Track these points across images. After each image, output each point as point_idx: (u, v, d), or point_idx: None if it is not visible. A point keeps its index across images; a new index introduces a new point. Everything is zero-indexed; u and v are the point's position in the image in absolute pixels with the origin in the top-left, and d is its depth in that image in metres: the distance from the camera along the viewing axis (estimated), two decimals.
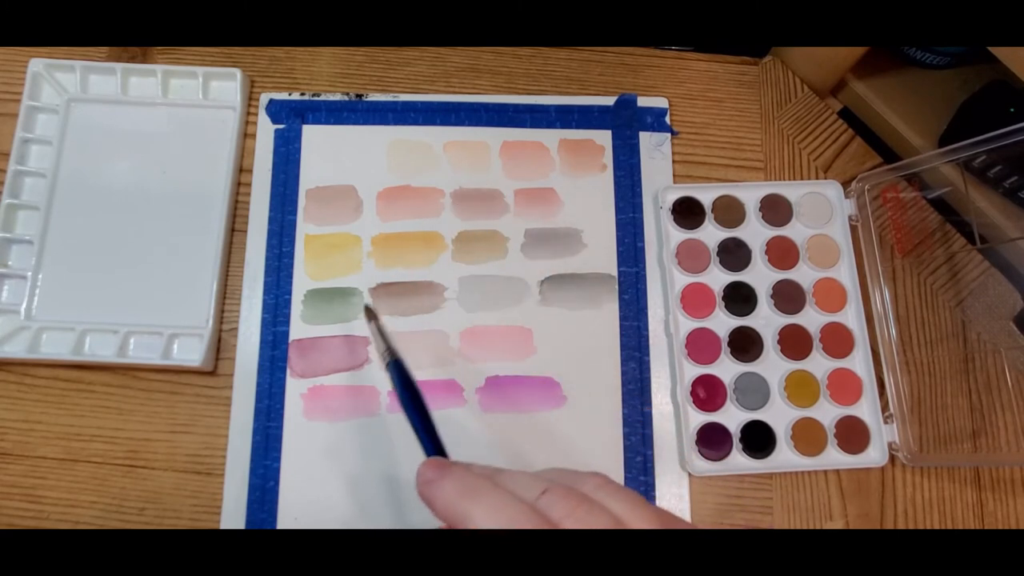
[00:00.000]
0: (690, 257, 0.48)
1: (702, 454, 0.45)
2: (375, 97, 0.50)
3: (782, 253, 0.48)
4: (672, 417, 0.45)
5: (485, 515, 0.24)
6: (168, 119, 0.48)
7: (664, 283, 0.48)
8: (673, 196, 0.49)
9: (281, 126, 0.49)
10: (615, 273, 0.47)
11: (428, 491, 0.27)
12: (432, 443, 0.32)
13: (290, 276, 0.46)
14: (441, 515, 0.26)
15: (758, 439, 0.45)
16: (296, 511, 0.42)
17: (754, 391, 0.46)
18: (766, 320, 0.47)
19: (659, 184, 0.49)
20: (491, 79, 0.51)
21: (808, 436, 0.45)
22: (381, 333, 0.38)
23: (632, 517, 0.25)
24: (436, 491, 0.27)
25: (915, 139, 0.56)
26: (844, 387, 0.46)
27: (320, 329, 0.45)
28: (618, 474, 0.44)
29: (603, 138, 0.50)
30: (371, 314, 0.41)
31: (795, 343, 0.46)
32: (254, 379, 0.44)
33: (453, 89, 0.51)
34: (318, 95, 0.50)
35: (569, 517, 0.24)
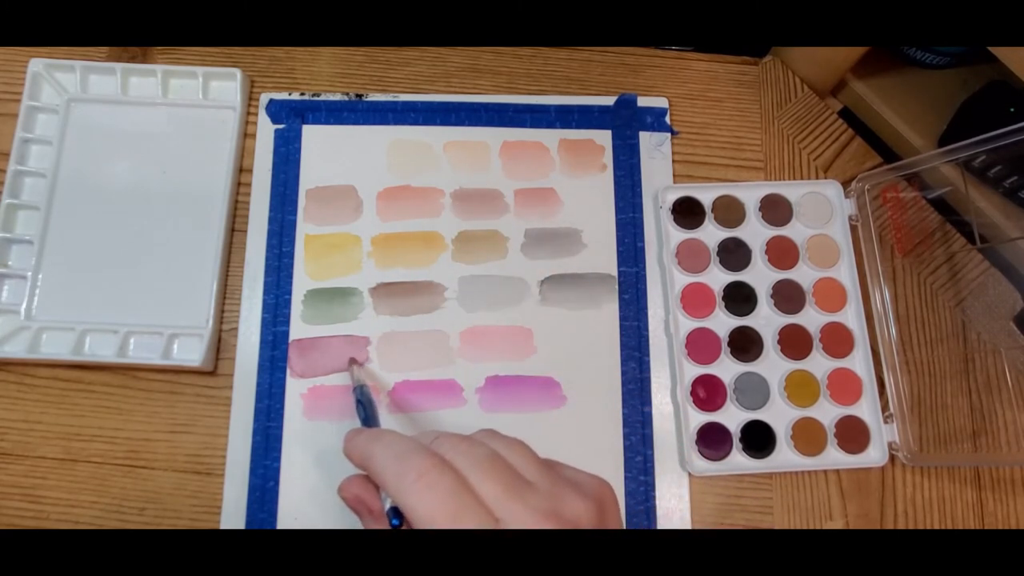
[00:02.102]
0: (690, 257, 0.48)
1: (702, 454, 0.45)
2: (375, 97, 0.50)
3: (782, 253, 0.48)
4: (672, 417, 0.45)
5: (383, 451, 0.29)
6: (168, 119, 0.48)
7: (664, 283, 0.48)
8: (673, 196, 0.49)
9: (281, 126, 0.49)
10: (615, 273, 0.47)
11: (347, 445, 0.32)
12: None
13: (290, 276, 0.46)
14: (355, 461, 0.31)
15: (758, 439, 0.45)
16: (296, 511, 0.42)
17: (754, 391, 0.46)
18: (766, 320, 0.47)
19: (659, 184, 0.49)
20: (491, 79, 0.51)
21: (808, 436, 0.45)
22: (355, 375, 0.43)
23: (509, 452, 0.29)
24: (351, 444, 0.31)
25: (915, 139, 0.56)
26: (844, 387, 0.46)
27: (320, 329, 0.45)
28: (618, 474, 0.44)
29: (603, 138, 0.50)
30: (354, 361, 0.44)
31: (795, 343, 0.46)
32: (254, 379, 0.44)
33: (453, 89, 0.51)
34: (318, 95, 0.50)
35: (453, 449, 0.28)
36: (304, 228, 0.47)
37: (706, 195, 0.49)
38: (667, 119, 0.51)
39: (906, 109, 0.56)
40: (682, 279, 0.48)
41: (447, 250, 0.47)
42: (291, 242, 0.47)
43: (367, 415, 0.39)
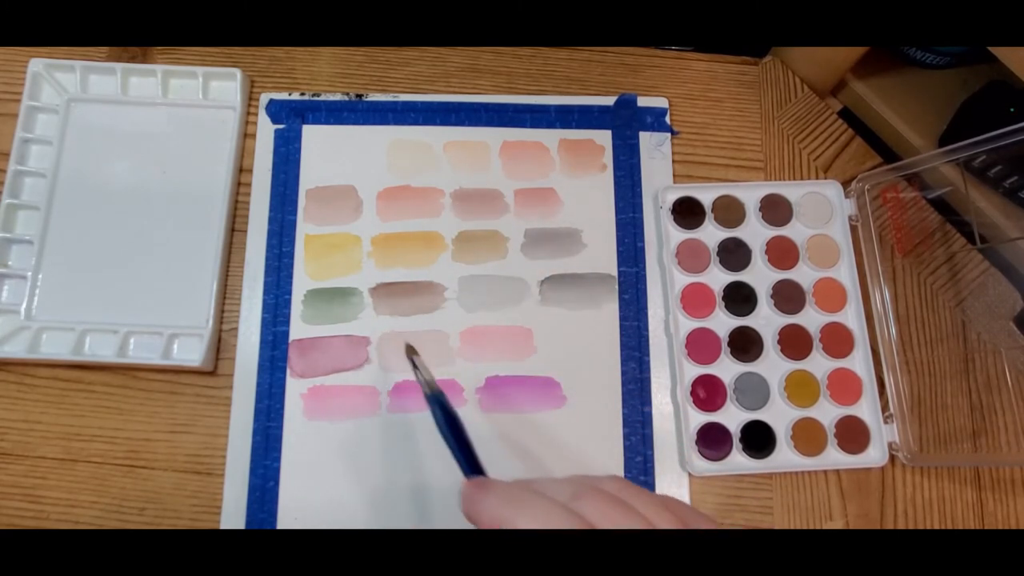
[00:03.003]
0: (690, 257, 0.48)
1: (702, 454, 0.45)
2: (375, 97, 0.50)
3: (782, 253, 0.48)
4: (672, 417, 0.45)
5: (529, 519, 0.26)
6: (168, 119, 0.48)
7: (664, 283, 0.48)
8: (673, 196, 0.49)
9: (281, 126, 0.49)
10: (615, 273, 0.47)
11: (473, 508, 0.28)
12: (472, 466, 0.33)
13: (290, 276, 0.46)
14: (487, 526, 0.27)
15: (758, 439, 0.45)
16: (296, 511, 0.42)
17: (754, 391, 0.46)
18: (766, 320, 0.47)
19: (659, 184, 0.49)
20: (491, 79, 0.51)
21: (808, 436, 0.45)
22: (420, 369, 0.38)
23: (654, 515, 0.27)
24: (480, 505, 0.28)
25: (915, 139, 0.55)
26: (844, 387, 0.46)
27: (320, 329, 0.45)
28: (618, 474, 0.44)
29: (603, 138, 0.50)
30: (412, 351, 0.40)
31: (795, 343, 0.46)
32: (254, 379, 0.44)
33: (453, 89, 0.51)
34: (318, 95, 0.50)
35: (605, 517, 0.26)
36: (304, 228, 0.47)
37: (706, 195, 0.49)
38: (667, 119, 0.51)
39: (906, 109, 0.56)
40: (682, 279, 0.48)
41: (447, 250, 0.47)
42: (291, 242, 0.47)
43: (464, 446, 0.33)
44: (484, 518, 0.27)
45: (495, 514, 0.27)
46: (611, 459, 0.44)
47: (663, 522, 0.26)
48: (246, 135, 0.49)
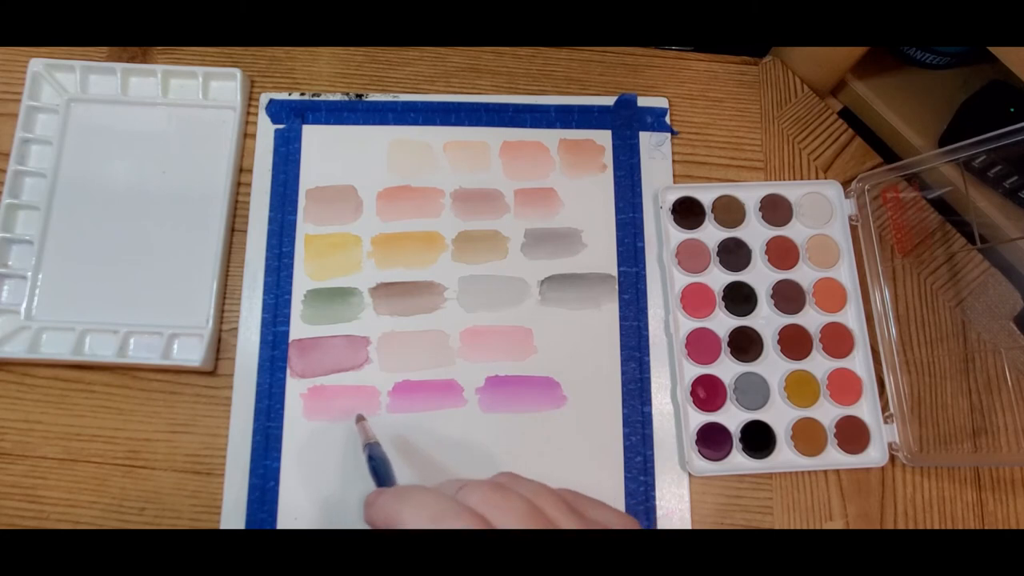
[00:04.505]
0: (690, 257, 0.48)
1: (702, 454, 0.45)
2: (375, 97, 0.50)
3: (782, 253, 0.48)
4: (672, 417, 0.45)
5: (414, 512, 0.27)
6: (168, 119, 0.48)
7: (664, 283, 0.48)
8: (673, 196, 0.49)
9: (281, 126, 0.49)
10: (615, 273, 0.47)
11: (369, 510, 0.30)
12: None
13: (290, 276, 0.46)
14: (380, 524, 0.29)
15: (758, 439, 0.45)
16: (296, 511, 0.42)
17: (754, 391, 0.46)
18: (766, 320, 0.47)
19: (659, 184, 0.49)
20: (491, 79, 0.51)
21: (808, 436, 0.45)
22: (362, 431, 0.41)
23: (534, 495, 0.28)
24: (374, 506, 0.29)
25: (915, 139, 0.56)
26: (844, 387, 0.46)
27: (320, 329, 0.45)
28: (618, 474, 0.44)
29: (603, 138, 0.50)
30: (360, 418, 0.43)
31: (795, 343, 0.46)
32: (254, 379, 0.44)
33: (453, 89, 0.51)
34: (318, 95, 0.50)
35: (484, 502, 0.27)
36: (304, 228, 0.47)
37: (706, 195, 0.49)
38: (667, 119, 0.51)
39: (906, 109, 0.56)
40: (682, 279, 0.48)
41: (447, 250, 0.47)
42: (291, 242, 0.47)
43: (383, 474, 0.37)
44: (378, 515, 0.29)
45: (386, 510, 0.28)
46: (611, 459, 0.44)
47: (548, 505, 0.28)
48: (246, 135, 0.49)
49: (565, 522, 0.27)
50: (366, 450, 0.39)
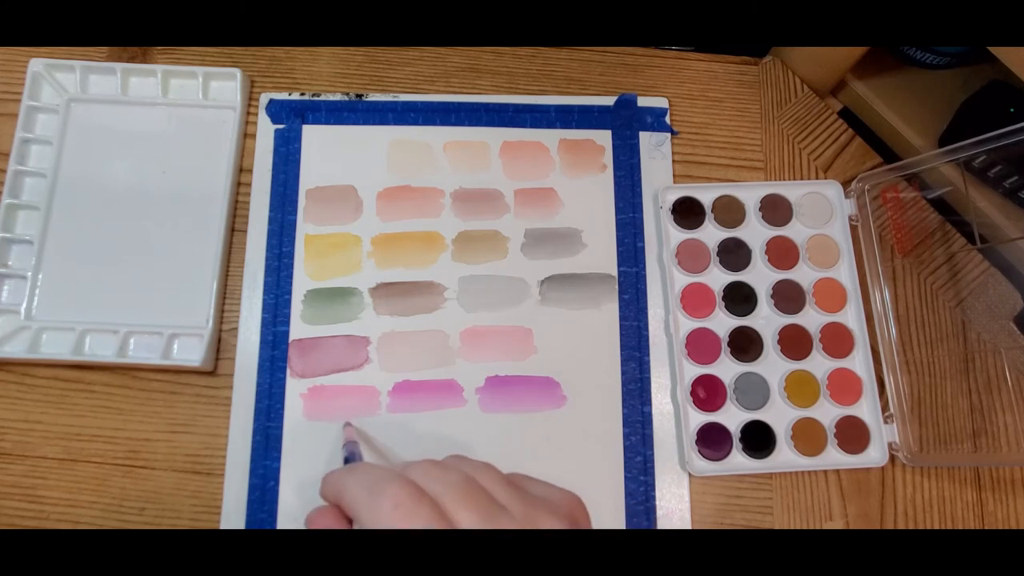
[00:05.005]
0: (690, 257, 0.48)
1: (702, 454, 0.45)
2: (375, 97, 0.50)
3: (782, 253, 0.48)
4: (672, 417, 0.45)
5: (356, 482, 0.29)
6: (168, 119, 0.48)
7: (664, 283, 0.48)
8: (673, 196, 0.49)
9: (281, 126, 0.49)
10: (615, 273, 0.47)
11: (322, 485, 0.31)
12: None
13: (290, 276, 0.46)
14: (329, 498, 0.31)
15: (758, 439, 0.45)
16: (296, 511, 0.42)
17: (754, 391, 0.46)
18: (766, 320, 0.47)
19: (659, 184, 0.49)
20: (491, 79, 0.51)
21: (808, 436, 0.45)
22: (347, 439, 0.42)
23: (474, 470, 0.29)
24: (325, 480, 0.31)
25: (915, 139, 0.56)
26: (844, 387, 0.46)
27: (320, 329, 0.45)
28: (618, 474, 0.44)
29: (603, 138, 0.50)
30: (348, 424, 0.43)
31: (795, 343, 0.46)
32: (254, 379, 0.44)
33: (453, 89, 0.51)
34: (318, 95, 0.50)
35: (426, 476, 0.28)
36: (304, 228, 0.47)
37: (706, 195, 0.49)
38: (667, 119, 0.51)
39: (906, 109, 0.56)
40: (682, 279, 0.48)
41: (447, 250, 0.47)
42: (291, 242, 0.47)
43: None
44: (327, 489, 0.31)
45: (334, 483, 0.30)
46: (611, 459, 0.44)
47: (486, 479, 0.29)
48: (246, 135, 0.49)
49: (503, 495, 0.28)
50: (344, 449, 0.40)
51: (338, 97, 0.50)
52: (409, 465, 0.29)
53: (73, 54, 0.49)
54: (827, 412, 0.46)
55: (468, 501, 0.27)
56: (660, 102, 0.51)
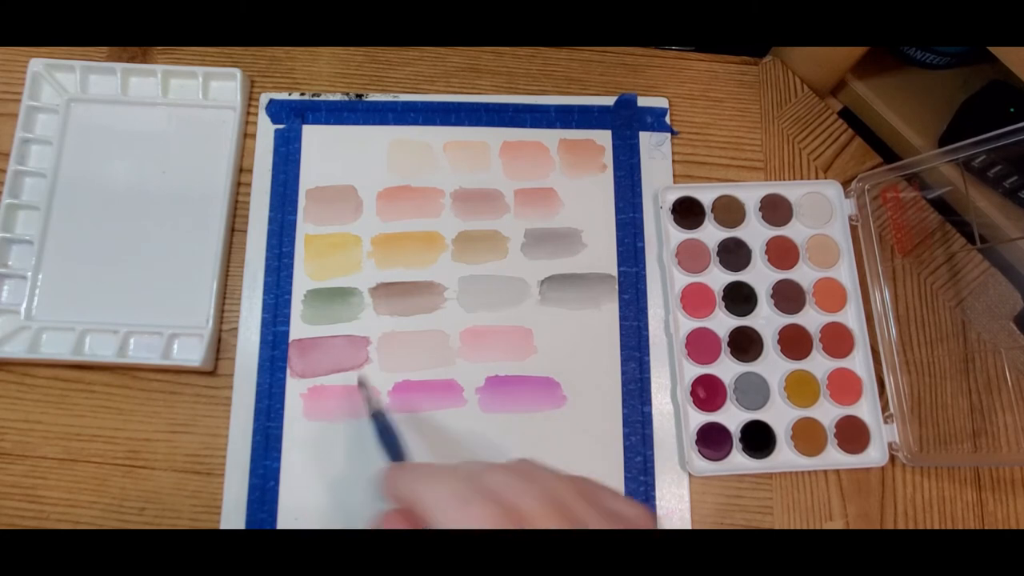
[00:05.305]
0: (690, 257, 0.48)
1: (702, 454, 0.45)
2: (375, 97, 0.50)
3: (782, 253, 0.48)
4: (672, 417, 0.45)
5: (434, 490, 0.28)
6: (168, 119, 0.48)
7: (664, 283, 0.48)
8: (673, 196, 0.49)
9: (281, 126, 0.49)
10: (615, 273, 0.47)
11: (388, 483, 0.31)
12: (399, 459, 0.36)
13: (290, 276, 0.46)
14: (399, 502, 0.30)
15: (758, 439, 0.45)
16: (296, 511, 0.42)
17: (754, 391, 0.46)
18: (766, 320, 0.47)
19: (659, 184, 0.49)
20: (491, 79, 0.51)
21: (808, 436, 0.45)
22: (368, 394, 0.42)
23: (560, 489, 0.28)
24: (393, 479, 0.30)
25: (915, 139, 0.56)
26: (844, 387, 0.46)
27: (320, 329, 0.45)
28: (618, 474, 0.44)
29: (603, 138, 0.50)
30: (362, 382, 0.43)
31: (795, 343, 0.46)
32: (254, 379, 0.44)
33: (453, 89, 0.51)
34: (318, 95, 0.50)
35: (510, 490, 0.27)
36: (304, 228, 0.47)
37: (706, 195, 0.49)
38: (667, 119, 0.51)
39: (906, 109, 0.56)
40: (682, 279, 0.48)
41: (447, 250, 0.47)
42: (291, 242, 0.47)
43: (394, 445, 0.37)
44: (399, 495, 0.30)
45: (408, 490, 0.29)
46: (611, 459, 0.44)
47: (566, 494, 0.28)
48: (246, 135, 0.49)
49: (582, 511, 0.28)
50: (374, 421, 0.38)
51: (338, 97, 0.50)
52: (487, 471, 0.28)
53: (73, 54, 0.49)
54: (827, 412, 0.46)
55: (551, 521, 0.27)
56: (660, 102, 0.51)
